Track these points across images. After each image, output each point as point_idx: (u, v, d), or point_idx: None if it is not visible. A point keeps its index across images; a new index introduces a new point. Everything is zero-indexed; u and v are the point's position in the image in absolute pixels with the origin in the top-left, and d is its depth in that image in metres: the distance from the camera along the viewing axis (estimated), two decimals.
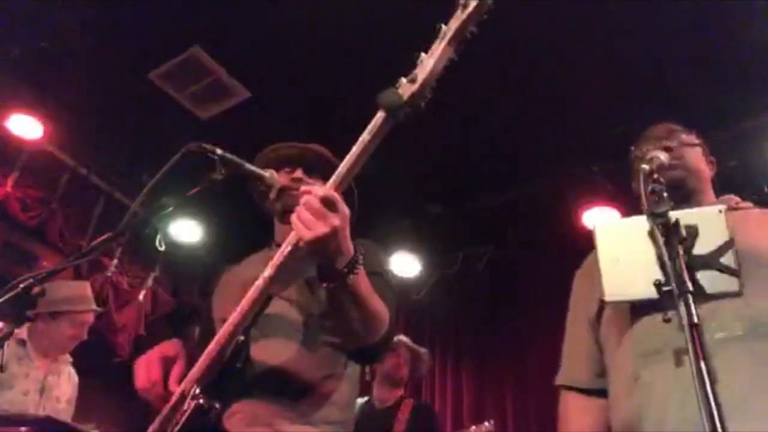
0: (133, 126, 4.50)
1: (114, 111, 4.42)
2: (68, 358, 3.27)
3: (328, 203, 1.20)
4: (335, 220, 1.20)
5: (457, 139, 4.29)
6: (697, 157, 1.68)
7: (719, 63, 3.56)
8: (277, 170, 1.74)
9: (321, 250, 1.22)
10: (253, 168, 1.66)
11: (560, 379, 1.69)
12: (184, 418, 1.32)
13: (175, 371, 1.47)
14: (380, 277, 1.57)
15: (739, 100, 3.68)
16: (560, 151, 4.21)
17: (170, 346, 1.55)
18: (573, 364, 1.69)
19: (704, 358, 1.07)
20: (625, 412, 1.42)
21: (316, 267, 1.30)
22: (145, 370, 1.48)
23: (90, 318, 3.26)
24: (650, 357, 1.39)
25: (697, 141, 1.71)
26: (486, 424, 3.61)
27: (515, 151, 4.32)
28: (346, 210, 1.23)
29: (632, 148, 1.76)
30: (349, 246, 1.26)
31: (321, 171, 1.80)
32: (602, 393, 1.59)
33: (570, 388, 1.66)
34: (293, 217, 1.23)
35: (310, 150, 1.84)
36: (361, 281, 1.32)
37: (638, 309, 1.46)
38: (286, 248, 1.29)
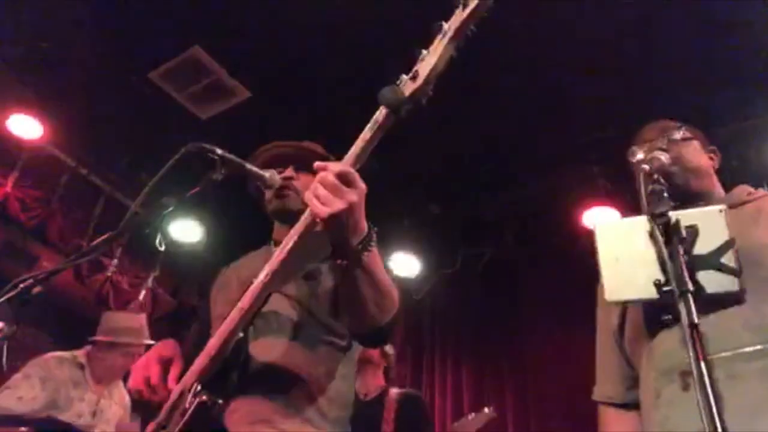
0: (133, 126, 4.50)
1: (114, 111, 4.42)
2: (120, 383, 3.40)
3: (344, 179, 1.17)
4: (352, 196, 1.17)
5: (457, 139, 4.29)
6: (694, 153, 1.65)
7: (719, 62, 3.56)
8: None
9: (337, 226, 1.20)
10: (253, 168, 1.66)
11: (595, 394, 1.69)
12: (187, 415, 1.32)
13: (173, 371, 1.47)
14: None
15: (738, 99, 3.68)
16: (560, 151, 4.21)
17: (167, 347, 1.55)
18: (604, 379, 1.68)
19: (708, 372, 1.06)
20: (650, 427, 1.42)
21: (329, 244, 1.27)
22: (143, 372, 1.48)
23: (142, 351, 3.32)
24: (667, 376, 1.38)
25: (690, 135, 1.68)
26: (486, 410, 3.62)
27: (515, 151, 4.32)
28: (362, 185, 1.20)
29: (629, 151, 1.74)
30: (364, 222, 1.24)
31: (311, 166, 1.80)
32: (637, 405, 1.57)
33: (606, 404, 1.65)
34: (308, 194, 1.20)
35: (299, 147, 1.84)
36: (375, 259, 1.30)
37: (652, 322, 1.45)
38: (291, 239, 1.27)
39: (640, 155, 1.61)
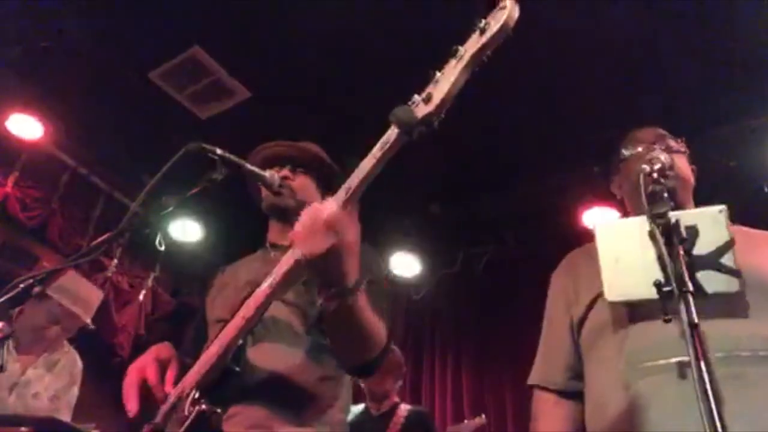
0: (133, 126, 4.50)
1: (114, 111, 4.42)
2: (65, 348, 2.99)
3: (330, 222, 1.17)
4: (334, 240, 1.16)
5: (457, 139, 4.29)
6: (685, 166, 1.67)
7: (719, 63, 3.56)
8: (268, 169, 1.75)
9: (319, 268, 1.20)
10: (253, 168, 1.67)
11: (534, 379, 1.70)
12: (187, 424, 1.31)
13: (170, 373, 1.47)
14: (377, 286, 1.56)
15: (738, 99, 3.67)
16: (560, 151, 4.20)
17: (164, 349, 1.54)
18: (548, 364, 1.69)
19: (708, 368, 1.06)
20: (612, 422, 1.41)
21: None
22: (139, 373, 1.47)
23: (70, 321, 2.93)
24: (646, 368, 1.38)
25: (683, 149, 1.71)
26: (477, 419, 3.65)
27: (515, 151, 4.32)
28: (349, 230, 1.19)
29: (622, 149, 1.75)
30: (351, 267, 1.23)
31: (308, 167, 1.81)
32: (575, 395, 1.60)
33: (544, 389, 1.66)
34: (292, 232, 1.21)
35: (296, 147, 1.84)
36: (360, 303, 1.29)
37: (635, 315, 1.45)
38: (286, 264, 1.27)
39: (633, 151, 1.62)
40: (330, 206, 1.18)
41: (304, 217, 1.19)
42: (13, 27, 3.89)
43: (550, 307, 1.76)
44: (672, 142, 1.68)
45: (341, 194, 1.20)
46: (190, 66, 4.07)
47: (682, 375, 1.30)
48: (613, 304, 1.47)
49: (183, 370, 1.43)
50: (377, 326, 1.38)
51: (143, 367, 1.47)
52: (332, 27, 3.65)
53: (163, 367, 1.47)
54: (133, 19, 3.77)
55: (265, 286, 1.30)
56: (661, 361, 1.35)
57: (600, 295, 1.48)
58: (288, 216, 1.75)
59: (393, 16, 3.44)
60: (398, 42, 3.50)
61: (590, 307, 1.58)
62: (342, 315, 1.27)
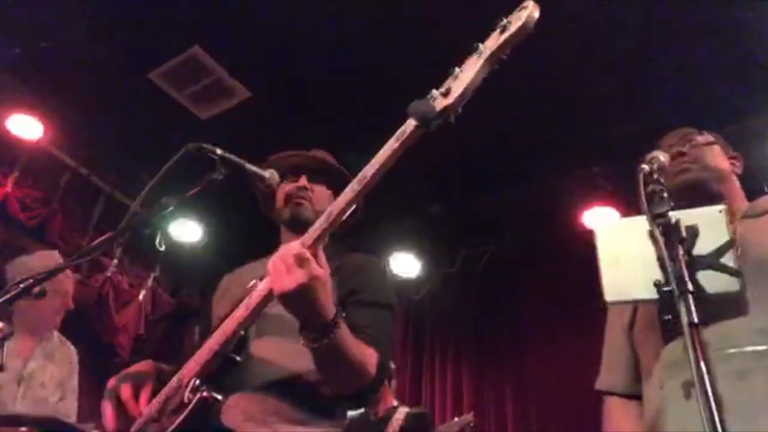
0: (133, 126, 4.49)
1: (114, 111, 4.42)
2: (55, 335, 3.03)
3: (299, 259, 1.20)
4: (302, 278, 1.19)
5: (457, 139, 4.29)
6: (716, 156, 1.69)
7: (719, 63, 3.56)
8: (282, 178, 1.75)
9: (291, 305, 1.23)
10: (253, 168, 1.67)
11: (599, 385, 1.74)
12: (188, 410, 1.32)
13: (144, 392, 1.49)
14: (381, 309, 1.58)
15: (739, 100, 3.67)
16: (560, 151, 4.20)
17: (142, 367, 1.57)
18: (611, 370, 1.73)
19: (710, 376, 1.06)
20: (651, 418, 1.45)
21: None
22: (114, 391, 1.50)
23: (67, 285, 3.03)
24: (672, 369, 1.40)
25: (712, 139, 1.72)
26: (465, 416, 3.69)
27: (515, 151, 4.32)
28: (316, 270, 1.21)
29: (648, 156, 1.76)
30: (324, 307, 1.25)
31: (324, 177, 1.82)
32: (641, 396, 1.63)
33: (609, 393, 1.70)
34: (268, 266, 1.23)
35: (313, 158, 1.85)
36: (342, 337, 1.31)
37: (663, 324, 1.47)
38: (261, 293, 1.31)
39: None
40: (296, 244, 1.22)
41: (275, 258, 1.22)
42: (13, 27, 3.89)
43: (609, 316, 1.80)
44: (698, 137, 1.70)
45: (310, 232, 1.24)
46: (190, 66, 4.07)
47: (688, 395, 1.30)
48: (658, 308, 1.49)
49: (162, 384, 1.45)
50: (364, 358, 1.40)
51: (117, 385, 1.50)
52: (332, 26, 3.65)
53: (138, 384, 1.50)
54: (133, 19, 3.77)
55: (257, 292, 1.33)
56: (682, 365, 1.35)
57: None
58: (307, 228, 1.76)
59: (393, 16, 3.44)
60: (398, 42, 3.50)
61: (636, 309, 1.62)
62: (325, 352, 1.29)
